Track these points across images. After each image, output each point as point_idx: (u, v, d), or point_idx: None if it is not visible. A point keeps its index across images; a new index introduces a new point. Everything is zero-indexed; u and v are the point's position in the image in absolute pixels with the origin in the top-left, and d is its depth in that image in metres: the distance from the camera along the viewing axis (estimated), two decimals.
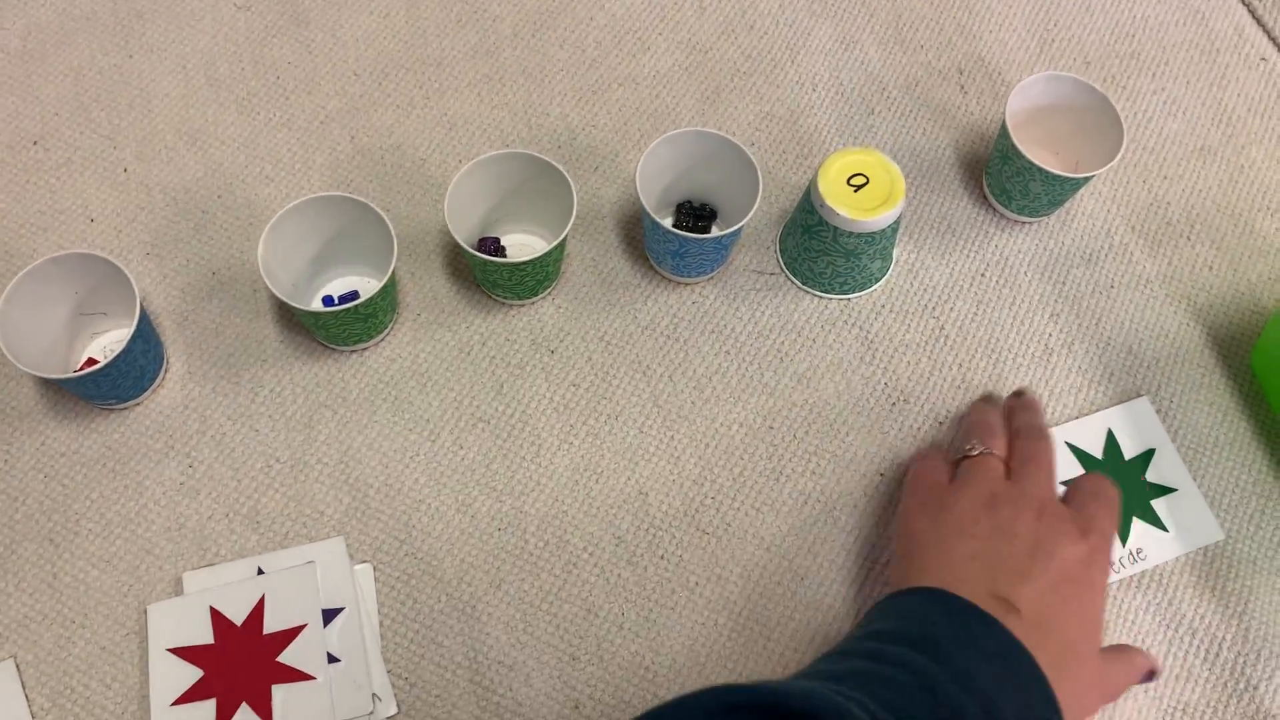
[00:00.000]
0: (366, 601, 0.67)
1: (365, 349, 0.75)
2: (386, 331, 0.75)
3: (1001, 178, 0.79)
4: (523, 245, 0.78)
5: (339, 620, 0.66)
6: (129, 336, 0.66)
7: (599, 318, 0.77)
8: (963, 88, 0.88)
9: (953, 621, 0.53)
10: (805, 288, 0.78)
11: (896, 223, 0.73)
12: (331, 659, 0.65)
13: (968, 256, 0.81)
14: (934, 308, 0.79)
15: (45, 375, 0.65)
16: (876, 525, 0.71)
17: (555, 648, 0.67)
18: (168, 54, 0.85)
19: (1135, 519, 0.71)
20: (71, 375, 0.66)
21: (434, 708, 0.65)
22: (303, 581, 0.67)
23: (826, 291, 0.78)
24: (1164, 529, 0.71)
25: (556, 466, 0.72)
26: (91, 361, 0.73)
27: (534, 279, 0.74)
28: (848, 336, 0.77)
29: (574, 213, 0.70)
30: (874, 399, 0.75)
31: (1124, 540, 0.70)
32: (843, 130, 0.85)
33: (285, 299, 0.67)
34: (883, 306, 0.78)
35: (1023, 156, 0.75)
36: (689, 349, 0.76)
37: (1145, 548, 0.70)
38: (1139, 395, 0.75)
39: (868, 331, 0.77)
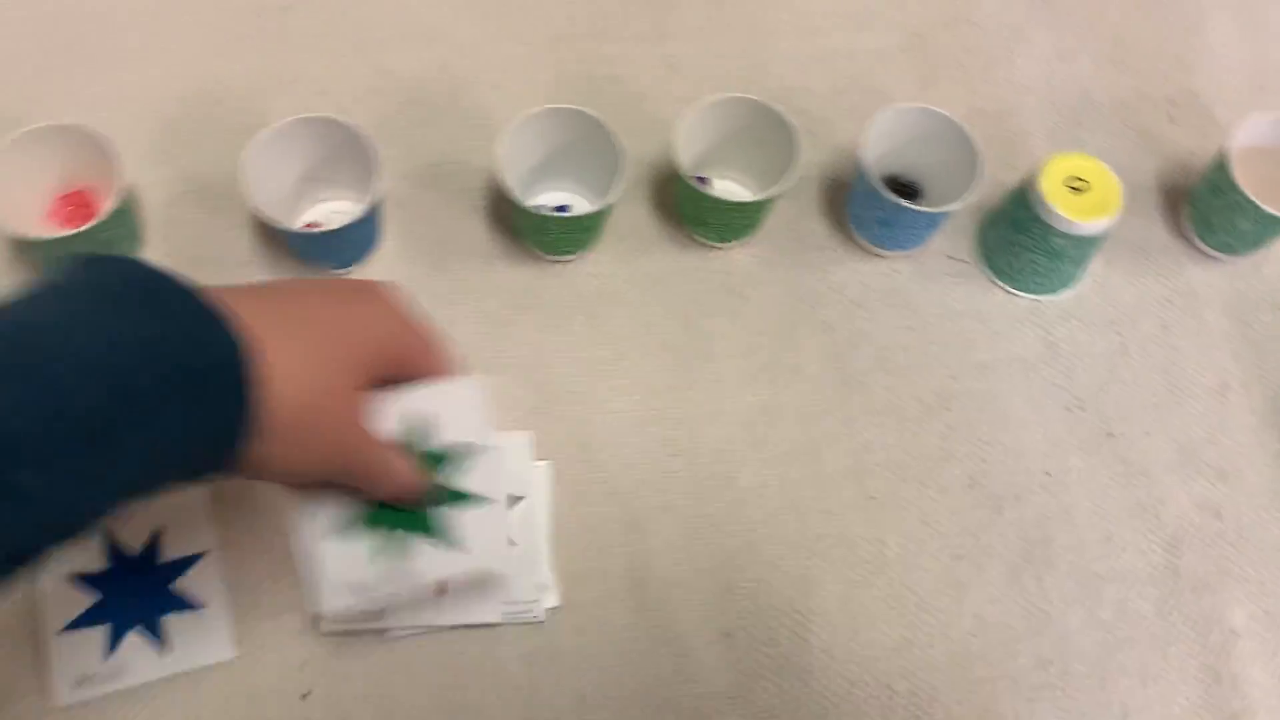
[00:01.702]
0: (543, 496, 0.70)
1: (569, 261, 0.77)
2: (594, 248, 0.77)
3: (1208, 210, 0.80)
4: (728, 191, 0.80)
5: (518, 509, 0.68)
6: (367, 205, 0.68)
7: (791, 274, 0.79)
8: (1172, 118, 0.88)
9: (66, 270, 0.43)
10: (997, 281, 0.79)
11: (1105, 233, 0.74)
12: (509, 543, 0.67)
13: (1157, 281, 0.81)
14: (1118, 323, 0.79)
15: (283, 227, 0.68)
16: (1039, 522, 0.72)
17: (713, 576, 0.69)
18: None
19: None
20: (304, 230, 0.69)
21: (593, 608, 0.67)
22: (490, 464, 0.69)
23: (1018, 288, 0.79)
24: None
25: (734, 406, 0.74)
26: (312, 225, 0.75)
27: (741, 223, 0.75)
28: (1031, 336, 0.78)
29: (797, 166, 0.72)
30: (1050, 401, 0.76)
31: None
32: (1050, 137, 0.86)
33: (515, 199, 0.69)
34: (1069, 313, 0.79)
35: (1239, 191, 0.75)
36: (875, 319, 0.78)
37: None
38: None
39: (1051, 334, 0.78)
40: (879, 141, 0.76)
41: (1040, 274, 0.77)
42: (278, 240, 0.76)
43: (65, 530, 0.40)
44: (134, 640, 0.63)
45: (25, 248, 0.70)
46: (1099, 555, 0.72)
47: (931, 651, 0.68)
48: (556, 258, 0.77)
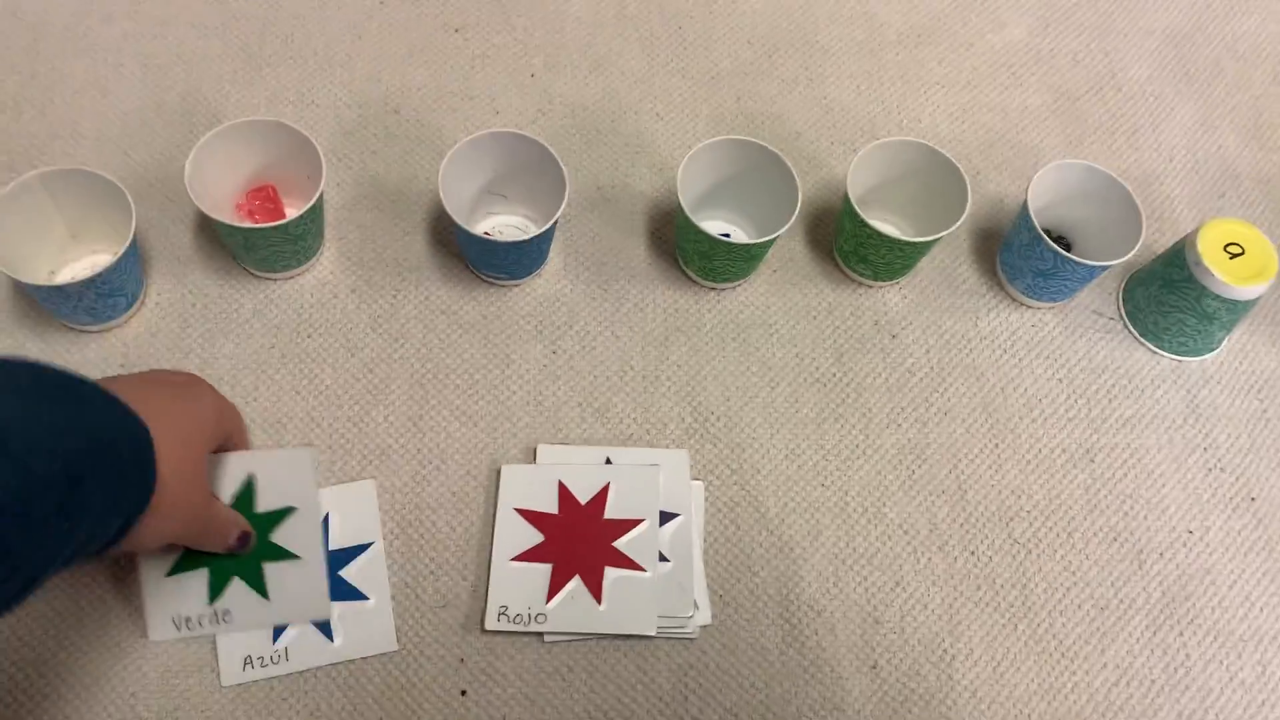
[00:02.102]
0: (697, 515, 0.71)
1: (726, 289, 0.79)
2: (750, 278, 0.79)
3: None
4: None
5: (673, 525, 0.70)
6: (551, 222, 0.71)
7: (942, 317, 0.80)
8: None
9: None
10: (1142, 339, 0.81)
11: (1258, 299, 0.75)
12: (662, 558, 0.68)
13: None
14: (1260, 390, 0.80)
15: (474, 233, 0.70)
16: (1180, 579, 0.73)
17: (861, 608, 0.70)
18: None
19: None
20: (492, 238, 0.71)
21: (744, 629, 0.68)
22: (647, 480, 0.70)
23: (1162, 348, 0.80)
24: None
25: (883, 442, 0.75)
26: (487, 235, 0.78)
27: (900, 263, 0.77)
28: (1174, 396, 0.79)
29: (966, 211, 0.74)
30: (1191, 460, 0.77)
31: None
32: (1193, 206, 0.88)
33: (691, 221, 0.72)
34: (1211, 376, 0.80)
35: None
36: (1023, 367, 0.79)
37: None
38: None
39: (1194, 396, 0.79)
40: (1040, 194, 0.78)
41: (1187, 335, 0.78)
42: (451, 247, 0.78)
43: (26, 583, 0.45)
44: (300, 626, 0.65)
45: (225, 235, 0.73)
46: (1240, 616, 0.72)
47: (1074, 699, 0.68)
48: (715, 284, 0.79)
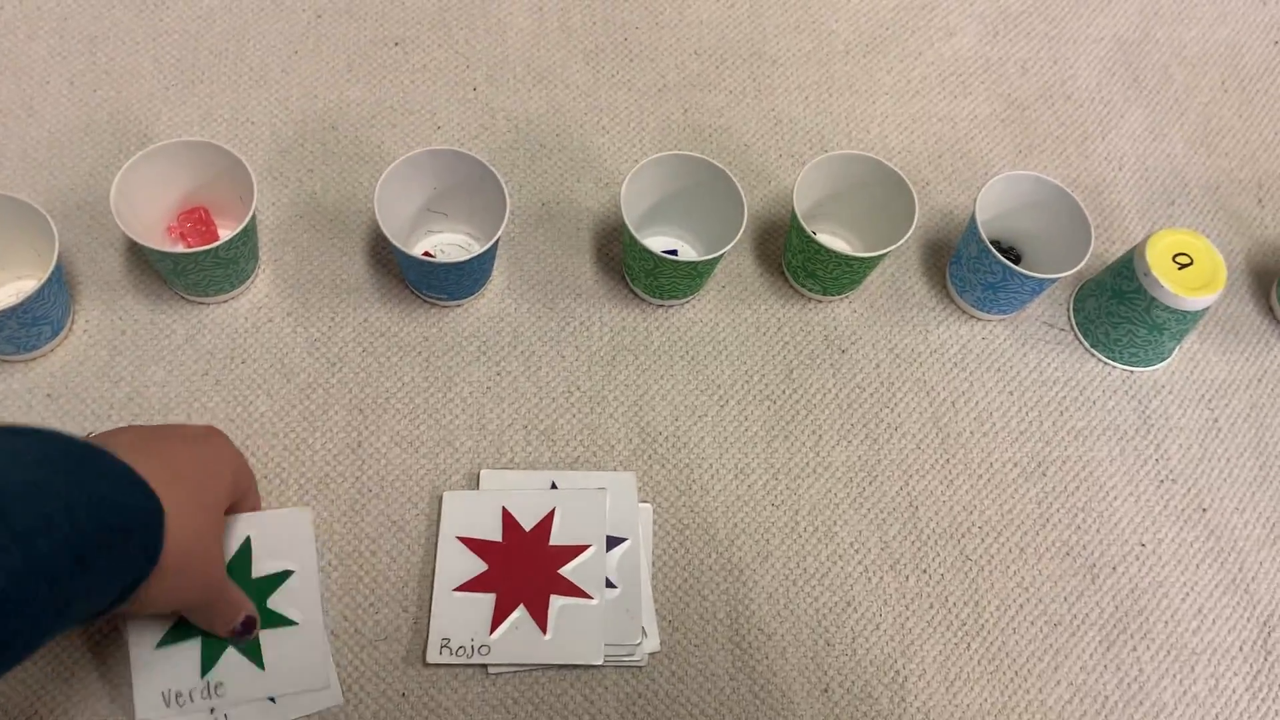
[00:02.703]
0: (645, 538, 0.69)
1: (673, 306, 0.78)
2: (698, 294, 0.78)
3: None
4: (833, 246, 0.81)
5: (620, 550, 0.68)
6: (492, 241, 0.69)
7: (892, 331, 0.79)
8: (1260, 201, 0.90)
9: (3, 440, 0.47)
10: (1093, 350, 0.80)
11: (1207, 309, 0.75)
12: (609, 584, 0.67)
13: (1247, 360, 0.82)
14: (1211, 400, 0.80)
15: (411, 255, 0.69)
16: (1133, 593, 0.72)
17: (812, 629, 0.69)
18: None
19: None
20: (431, 260, 0.69)
21: (693, 655, 0.67)
22: (593, 504, 0.69)
23: (1113, 359, 0.80)
24: None
25: (833, 459, 0.74)
26: (426, 255, 0.76)
27: (849, 278, 0.76)
28: (1125, 407, 0.79)
29: (913, 225, 0.73)
30: (1143, 472, 0.76)
31: None
32: (1142, 214, 0.87)
33: (636, 239, 0.70)
34: (1162, 386, 0.80)
35: None
36: (974, 380, 0.78)
37: None
38: None
39: (1145, 407, 0.79)
40: (988, 206, 0.77)
41: (1138, 346, 0.78)
42: (391, 267, 0.77)
43: (15, 661, 0.44)
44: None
45: (153, 259, 0.71)
46: (1193, 629, 0.72)
47: (1027, 717, 0.68)
48: (663, 301, 0.77)
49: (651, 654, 0.66)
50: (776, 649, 0.68)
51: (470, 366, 0.74)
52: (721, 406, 0.75)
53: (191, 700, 0.61)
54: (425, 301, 0.76)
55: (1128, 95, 0.93)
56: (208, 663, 0.61)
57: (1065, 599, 0.71)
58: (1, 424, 0.48)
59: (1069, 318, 0.82)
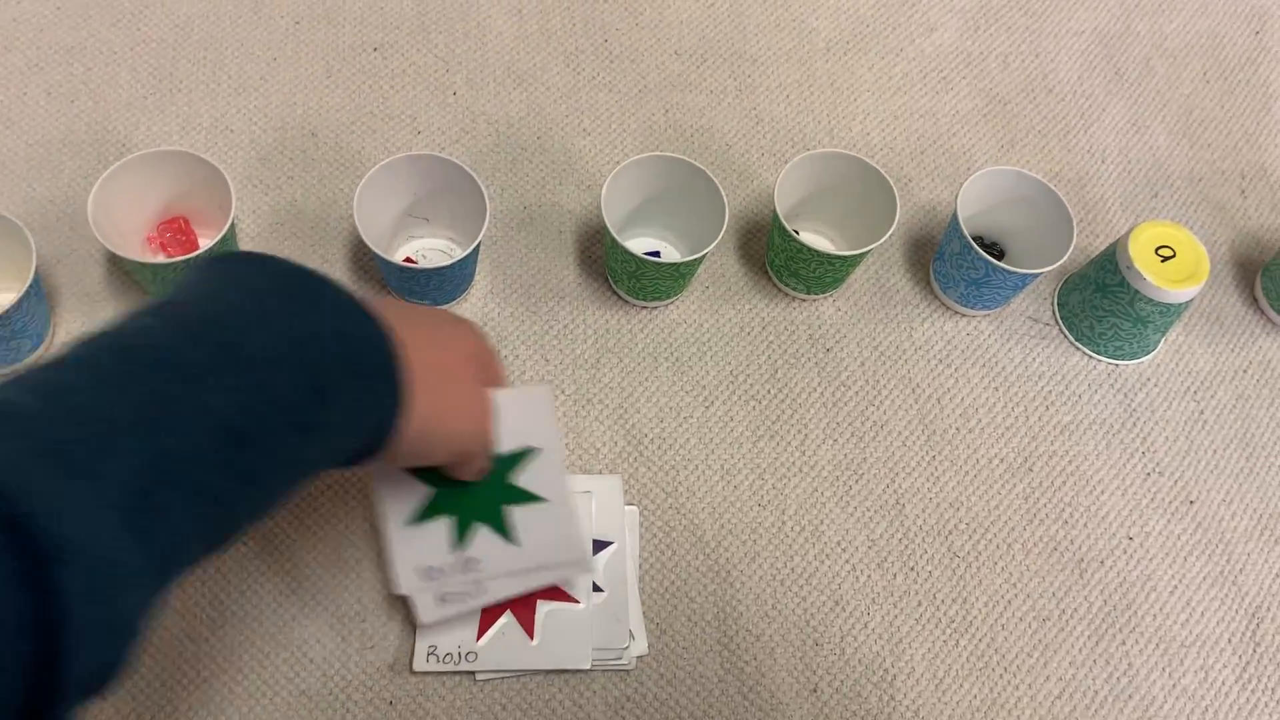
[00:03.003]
0: (631, 541, 0.69)
1: (657, 307, 0.78)
2: (682, 295, 0.78)
3: None
4: (815, 244, 0.81)
5: (606, 553, 0.68)
6: (473, 245, 0.69)
7: (875, 329, 0.79)
8: (1243, 192, 0.90)
9: (215, 269, 0.44)
10: (1078, 344, 0.80)
11: (1190, 302, 0.75)
12: (596, 589, 0.67)
13: (1232, 351, 0.82)
14: (1195, 392, 0.80)
15: (391, 262, 0.68)
16: (1121, 586, 0.72)
17: (800, 629, 0.69)
18: None
19: None
20: (411, 266, 0.69)
21: (681, 657, 0.67)
22: (579, 508, 0.69)
23: (1098, 352, 0.80)
24: None
25: (819, 458, 0.74)
26: (409, 261, 0.76)
27: (832, 277, 0.76)
28: (1111, 400, 0.79)
29: (895, 223, 0.73)
30: (1130, 466, 0.76)
31: None
32: (1126, 206, 0.87)
33: (617, 241, 0.70)
34: (1147, 379, 0.80)
35: None
36: (959, 377, 0.78)
37: None
38: None
39: (1131, 400, 0.79)
40: (970, 202, 0.77)
41: (1122, 339, 0.78)
42: (374, 273, 0.76)
43: (266, 509, 0.42)
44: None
45: (133, 270, 0.70)
46: (1181, 621, 0.72)
47: (1017, 714, 0.68)
48: (646, 303, 0.77)
49: (639, 657, 0.66)
50: (765, 650, 0.68)
51: None
52: (707, 407, 0.75)
53: (446, 574, 0.60)
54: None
55: (1109, 88, 0.93)
56: (460, 537, 0.60)
57: (1053, 594, 0.71)
58: (228, 252, 0.46)
59: (1054, 312, 0.82)
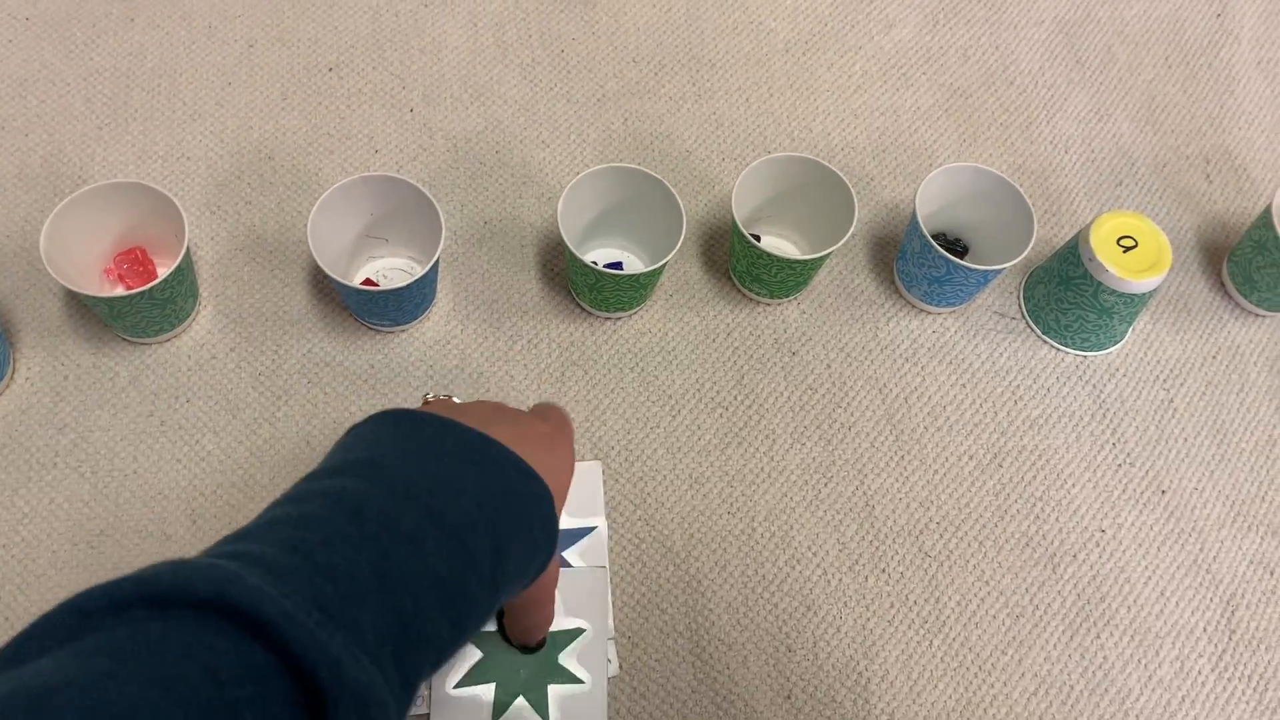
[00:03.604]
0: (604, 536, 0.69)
1: (621, 318, 0.77)
2: (645, 304, 0.78)
3: (1250, 268, 0.81)
4: (777, 248, 0.80)
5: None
6: (430, 265, 0.69)
7: (841, 330, 0.79)
8: (1208, 177, 0.89)
9: (401, 432, 0.49)
10: (1045, 337, 0.80)
11: (1154, 291, 0.75)
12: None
13: (1200, 338, 0.82)
14: (1165, 380, 0.80)
15: (348, 286, 0.68)
16: (1094, 579, 0.72)
17: (773, 636, 0.68)
18: (460, 10, 0.89)
19: None
20: (368, 289, 0.69)
21: (653, 670, 0.67)
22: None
23: (1065, 345, 0.79)
24: None
25: (787, 463, 0.74)
26: (369, 282, 0.76)
27: (794, 280, 0.76)
28: (1080, 392, 0.78)
29: (854, 224, 0.72)
30: (1101, 457, 0.76)
31: None
32: (1090, 196, 0.87)
33: (575, 256, 0.70)
34: (1116, 369, 0.80)
35: None
36: (925, 375, 0.78)
37: None
38: None
39: (1100, 391, 0.79)
40: (930, 199, 0.77)
41: (1088, 330, 0.78)
42: (333, 296, 0.76)
43: (463, 645, 0.47)
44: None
45: (89, 304, 0.70)
46: (1156, 612, 0.71)
47: (993, 711, 0.68)
48: (609, 314, 0.77)
49: (611, 679, 0.66)
50: (738, 659, 0.68)
51: (417, 392, 0.73)
52: (674, 416, 0.75)
53: None
54: (370, 329, 0.75)
55: (1071, 77, 0.93)
56: (498, 710, 0.63)
57: (1026, 590, 0.71)
58: (398, 410, 0.50)
59: (1020, 306, 0.82)
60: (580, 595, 0.65)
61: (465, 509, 0.45)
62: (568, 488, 0.55)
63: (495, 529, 0.46)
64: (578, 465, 0.64)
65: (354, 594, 0.40)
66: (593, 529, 0.69)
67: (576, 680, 0.64)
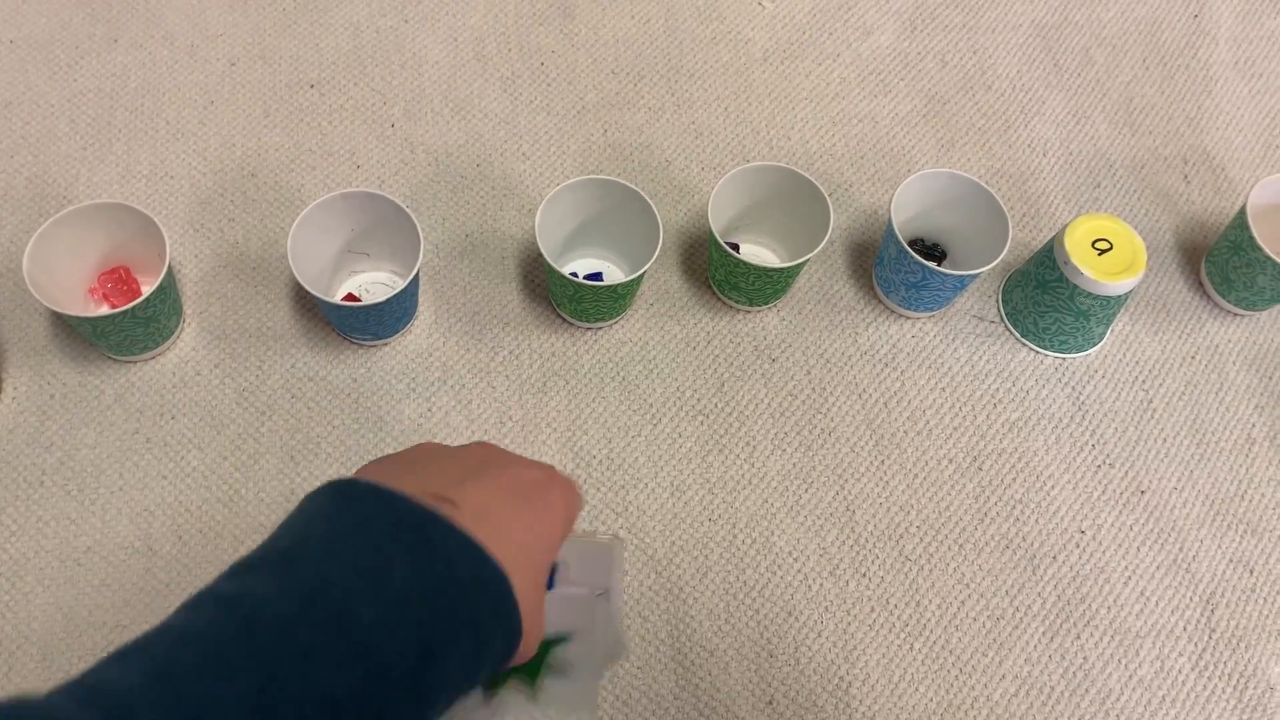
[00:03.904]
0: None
1: (601, 328, 0.78)
2: (626, 314, 0.79)
3: (1226, 267, 0.81)
4: (756, 256, 0.81)
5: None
6: (409, 279, 0.69)
7: (821, 336, 0.80)
8: (1186, 177, 0.90)
9: (335, 509, 0.44)
10: (1024, 340, 0.81)
11: (1130, 293, 0.75)
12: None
13: (1179, 338, 0.82)
14: (1144, 381, 0.80)
15: (328, 301, 0.69)
16: (1074, 580, 0.72)
17: (754, 642, 0.69)
18: (440, 25, 0.90)
19: None
20: (348, 304, 0.69)
21: (635, 678, 0.67)
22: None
23: (1044, 347, 0.80)
24: None
25: (768, 470, 0.74)
26: (351, 297, 0.76)
27: (773, 288, 0.77)
28: (1059, 394, 0.79)
29: (830, 231, 0.73)
30: (1080, 459, 0.77)
31: None
32: (1069, 198, 0.88)
33: (553, 267, 0.71)
34: (1095, 371, 0.80)
35: (1259, 249, 0.77)
36: (905, 380, 0.78)
37: None
38: None
39: (1079, 393, 0.79)
40: (906, 205, 0.78)
41: (1066, 333, 0.78)
42: (316, 312, 0.77)
43: None
44: None
45: (73, 324, 0.71)
46: (1136, 612, 0.72)
47: (974, 714, 0.68)
48: (590, 324, 0.78)
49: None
50: (719, 665, 0.68)
51: (400, 405, 0.74)
52: (655, 425, 0.75)
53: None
54: (352, 343, 0.76)
55: (1048, 80, 0.93)
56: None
57: (1007, 592, 0.72)
58: (342, 482, 0.44)
59: (998, 309, 0.82)
60: (591, 570, 0.58)
61: (385, 607, 0.40)
62: (559, 538, 0.50)
63: (423, 629, 0.40)
64: (590, 545, 0.58)
65: None
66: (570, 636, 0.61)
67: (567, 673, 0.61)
